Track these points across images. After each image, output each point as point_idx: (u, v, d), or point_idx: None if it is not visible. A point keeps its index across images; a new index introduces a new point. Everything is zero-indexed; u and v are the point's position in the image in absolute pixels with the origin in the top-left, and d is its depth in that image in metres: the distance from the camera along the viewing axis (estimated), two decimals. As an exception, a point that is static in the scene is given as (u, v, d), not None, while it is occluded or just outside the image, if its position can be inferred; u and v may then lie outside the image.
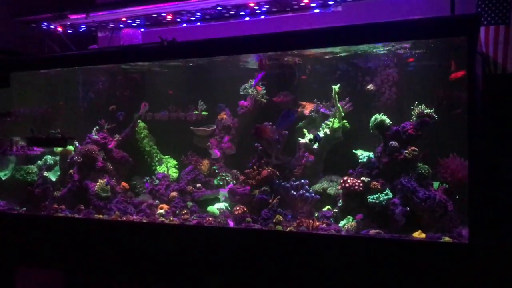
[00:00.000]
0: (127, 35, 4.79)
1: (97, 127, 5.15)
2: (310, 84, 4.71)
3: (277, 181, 4.27)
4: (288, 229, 3.80)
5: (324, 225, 3.84)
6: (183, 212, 4.41)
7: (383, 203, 3.71)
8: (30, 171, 5.06)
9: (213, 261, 3.85)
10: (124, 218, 4.41)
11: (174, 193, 4.72)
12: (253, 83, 4.71)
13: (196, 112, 5.05)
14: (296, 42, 3.88)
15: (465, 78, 3.25)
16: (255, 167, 4.35)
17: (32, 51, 5.48)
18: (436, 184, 3.80)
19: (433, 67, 4.20)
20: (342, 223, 3.87)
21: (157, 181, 4.96)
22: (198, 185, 4.80)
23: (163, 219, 4.33)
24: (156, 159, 5.28)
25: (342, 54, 4.35)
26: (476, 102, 3.26)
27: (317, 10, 4.29)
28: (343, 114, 4.37)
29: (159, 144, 5.36)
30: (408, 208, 3.61)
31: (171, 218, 4.32)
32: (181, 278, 3.99)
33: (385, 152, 3.88)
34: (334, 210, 4.03)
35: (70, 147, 5.05)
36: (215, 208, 4.48)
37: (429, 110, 3.79)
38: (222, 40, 4.11)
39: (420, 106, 3.82)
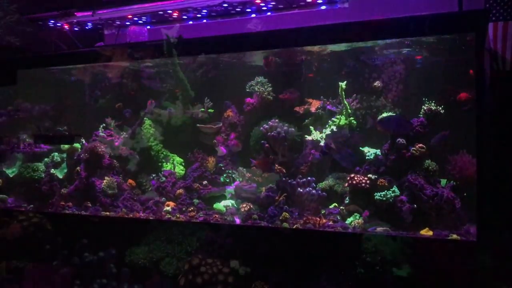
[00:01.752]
0: (134, 32, 4.80)
1: (104, 125, 5.17)
2: (317, 81, 4.69)
3: (284, 179, 4.27)
4: (294, 226, 3.80)
5: (330, 222, 3.83)
6: (190, 209, 4.41)
7: (390, 200, 3.70)
8: (37, 168, 5.08)
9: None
10: (131, 215, 4.42)
11: (180, 190, 4.72)
12: None
13: (202, 109, 5.05)
14: (302, 39, 3.88)
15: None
16: (261, 164, 4.36)
17: (39, 49, 5.50)
18: (443, 181, 3.78)
19: (440, 64, 4.17)
20: (349, 220, 3.86)
21: (164, 178, 4.96)
22: (205, 182, 4.81)
23: (169, 216, 4.33)
24: (162, 156, 5.28)
25: (349, 51, 4.32)
26: (484, 99, 3.24)
27: (323, 7, 4.26)
28: (350, 111, 4.35)
29: (165, 141, 5.36)
30: (415, 205, 3.60)
31: (178, 215, 4.33)
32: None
33: (392, 149, 3.86)
34: (341, 207, 4.03)
35: (77, 145, 5.07)
36: (222, 205, 4.48)
37: (438, 107, 3.77)
38: (228, 37, 4.10)
39: (428, 103, 3.81)
